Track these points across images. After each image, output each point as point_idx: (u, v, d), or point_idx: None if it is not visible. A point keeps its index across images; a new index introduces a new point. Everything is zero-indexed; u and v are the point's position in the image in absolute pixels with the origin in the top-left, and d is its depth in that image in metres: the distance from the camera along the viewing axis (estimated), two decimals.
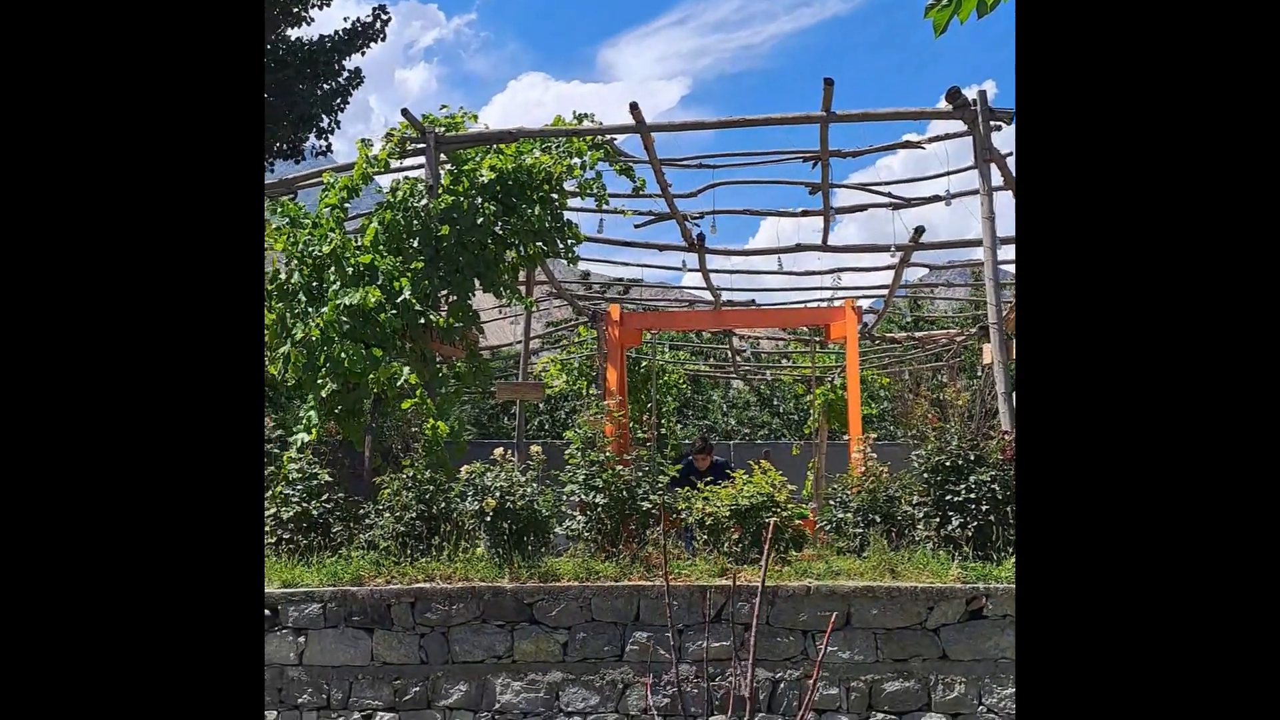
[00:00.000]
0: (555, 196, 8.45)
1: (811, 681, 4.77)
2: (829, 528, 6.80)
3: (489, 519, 6.20)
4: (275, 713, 5.75)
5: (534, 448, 6.80)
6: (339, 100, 17.67)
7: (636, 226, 10.27)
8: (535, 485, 6.39)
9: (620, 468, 6.52)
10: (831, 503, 6.97)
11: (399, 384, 7.13)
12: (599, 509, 6.43)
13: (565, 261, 8.96)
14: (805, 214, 9.99)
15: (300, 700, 5.76)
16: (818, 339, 14.25)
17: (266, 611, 5.84)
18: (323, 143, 17.88)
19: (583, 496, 6.51)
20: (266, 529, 6.64)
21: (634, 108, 7.93)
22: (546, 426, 19.84)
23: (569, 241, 8.65)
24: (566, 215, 8.67)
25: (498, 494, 6.20)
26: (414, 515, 6.39)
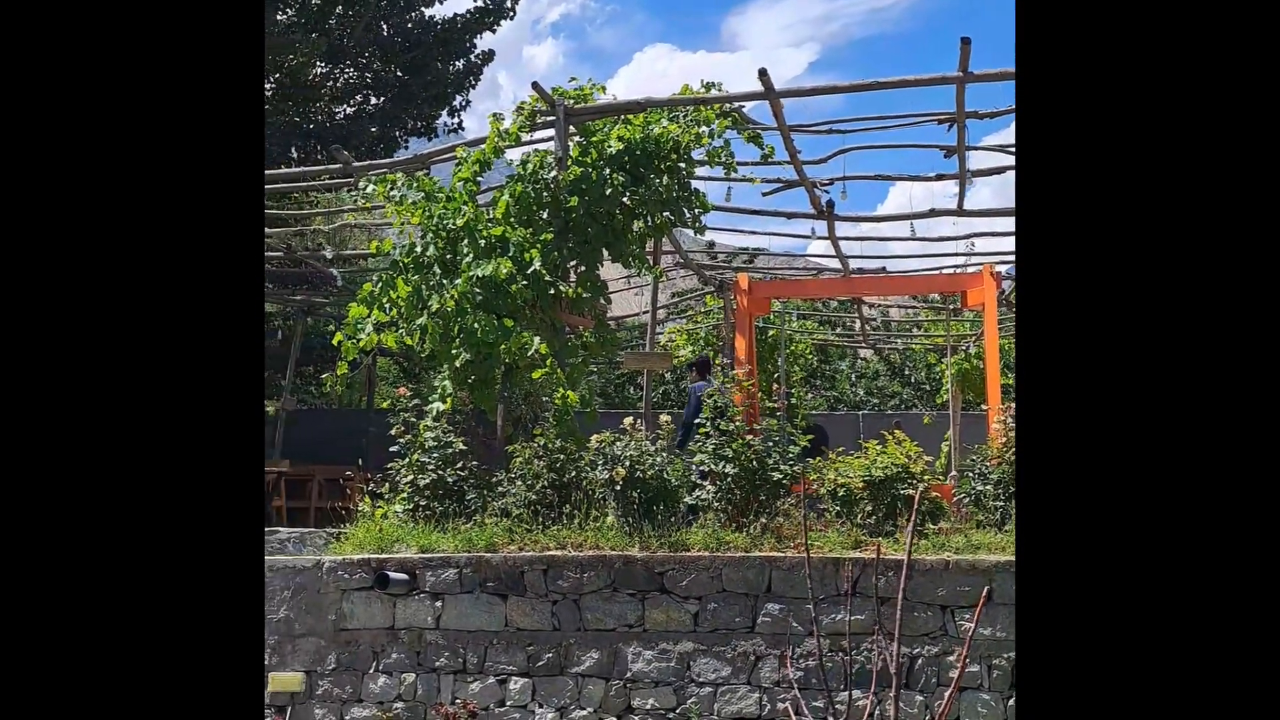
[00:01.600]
0: (683, 166, 8.39)
1: (960, 658, 4.65)
2: (967, 500, 6.60)
3: (619, 488, 6.22)
4: (414, 674, 5.92)
5: (663, 417, 6.80)
6: (470, 78, 17.91)
7: (764, 195, 10.12)
8: (664, 455, 6.39)
9: (750, 437, 6.46)
10: (970, 475, 6.76)
11: (529, 354, 7.21)
12: (728, 479, 6.38)
13: (692, 231, 8.89)
14: (940, 178, 9.66)
15: (438, 663, 5.91)
16: (951, 306, 13.83)
17: (404, 575, 6.00)
18: (455, 120, 18.17)
19: (712, 466, 6.47)
20: (404, 495, 6.83)
21: (763, 74, 7.78)
22: (672, 396, 19.87)
23: (696, 211, 8.59)
24: (694, 184, 8.61)
25: (628, 463, 6.22)
26: (545, 484, 6.48)
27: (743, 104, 8.68)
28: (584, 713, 5.69)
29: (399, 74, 17.40)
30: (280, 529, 8.39)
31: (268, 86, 16.59)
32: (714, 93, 8.43)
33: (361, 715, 5.91)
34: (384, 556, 6.13)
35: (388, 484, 7.02)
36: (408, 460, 6.88)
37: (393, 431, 7.01)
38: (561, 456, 6.56)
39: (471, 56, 17.90)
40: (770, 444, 6.53)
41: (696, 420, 6.80)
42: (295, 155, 16.19)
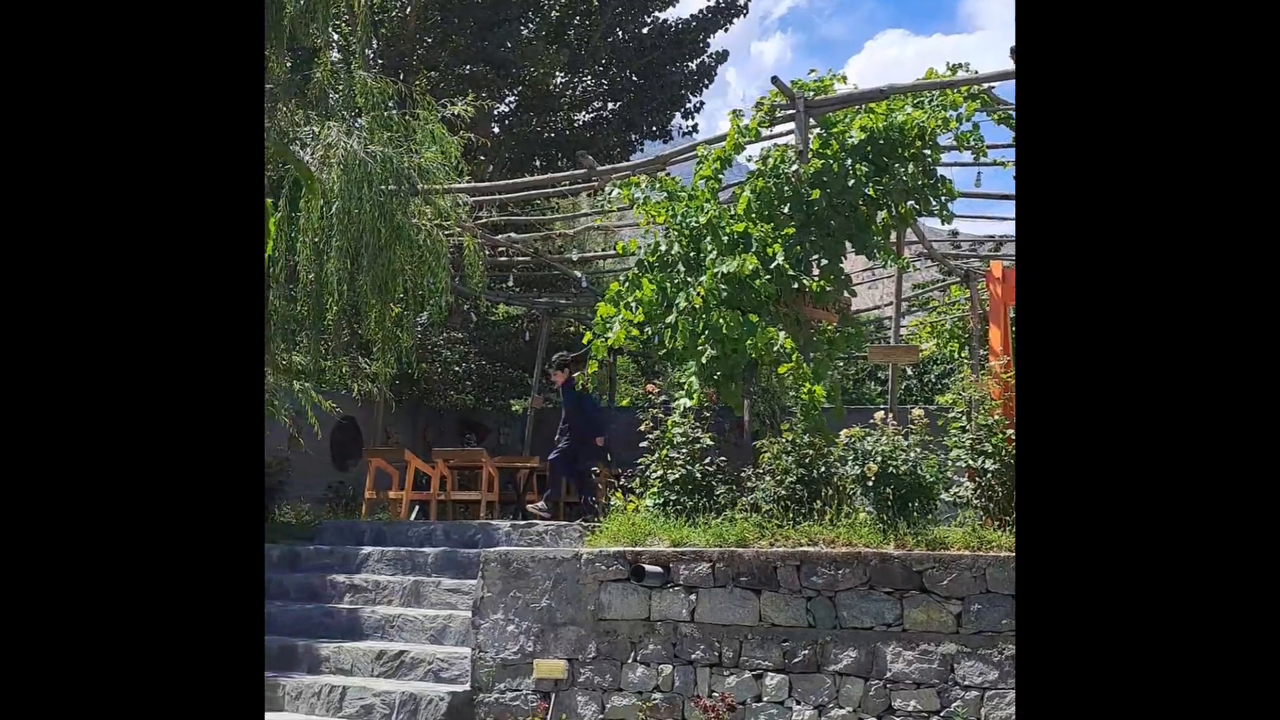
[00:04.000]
0: (928, 153, 8.14)
1: None
2: None
3: (870, 484, 6.10)
4: (670, 666, 6.02)
5: (915, 411, 6.60)
6: (704, 78, 18.06)
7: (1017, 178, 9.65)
8: (918, 450, 6.20)
9: (1010, 431, 6.17)
10: None
11: (775, 349, 7.19)
12: (989, 475, 6.12)
13: (940, 220, 8.60)
14: None
15: (694, 656, 5.98)
16: None
17: (659, 568, 6.11)
18: (689, 122, 18.37)
19: (970, 462, 6.23)
20: (654, 489, 6.96)
21: (1014, 51, 7.41)
22: (914, 391, 19.29)
23: (943, 199, 8.31)
24: (939, 171, 8.33)
25: (879, 459, 6.08)
26: (794, 479, 6.43)
27: (991, 85, 8.31)
28: (843, 712, 5.60)
29: (634, 78, 17.77)
30: (537, 522, 8.74)
31: (511, 99, 17.35)
32: (961, 75, 8.12)
33: (622, 704, 6.07)
34: (637, 549, 6.27)
35: (638, 479, 7.18)
36: (657, 455, 7.01)
37: (641, 428, 7.16)
38: (810, 452, 6.50)
39: (705, 57, 18.04)
40: None
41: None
42: (538, 164, 16.85)
